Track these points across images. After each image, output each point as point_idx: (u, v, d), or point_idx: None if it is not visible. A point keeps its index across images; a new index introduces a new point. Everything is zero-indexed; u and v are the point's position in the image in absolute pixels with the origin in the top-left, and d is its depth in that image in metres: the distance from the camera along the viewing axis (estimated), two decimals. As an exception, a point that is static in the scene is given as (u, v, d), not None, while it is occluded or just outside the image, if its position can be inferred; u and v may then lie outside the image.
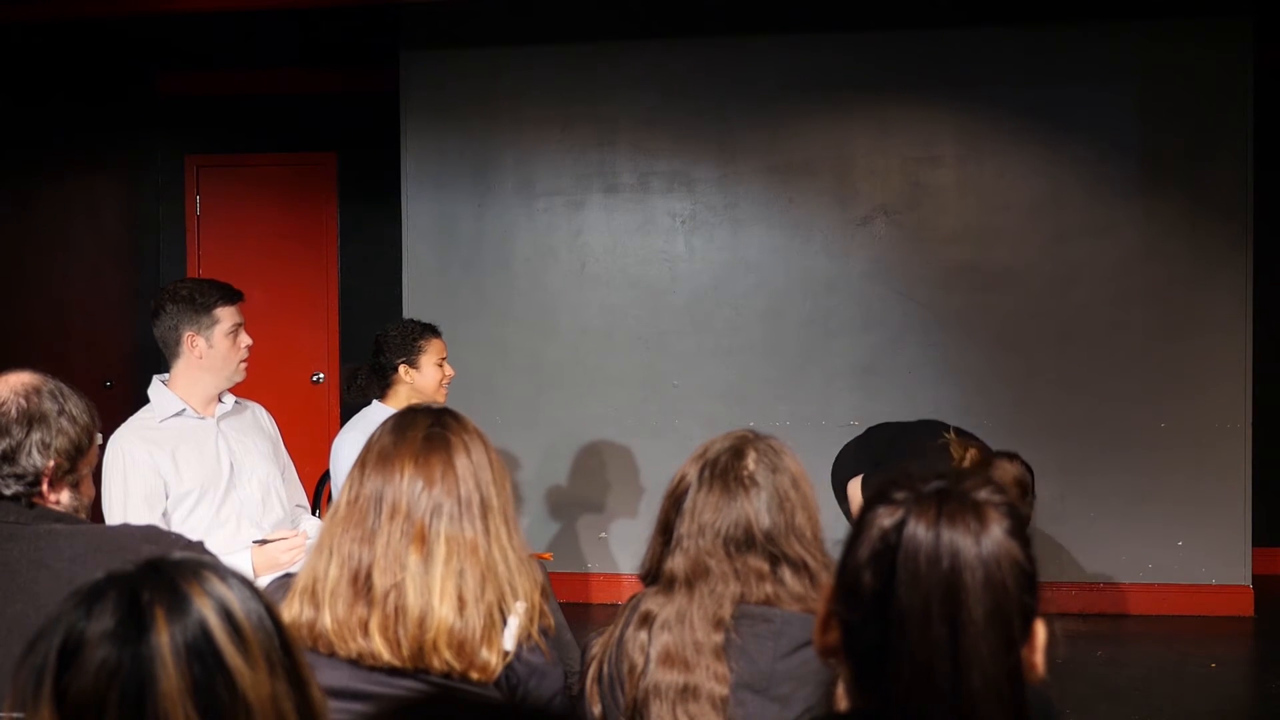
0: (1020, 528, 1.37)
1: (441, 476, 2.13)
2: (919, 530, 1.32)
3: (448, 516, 2.11)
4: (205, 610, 1.21)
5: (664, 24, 6.80)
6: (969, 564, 1.31)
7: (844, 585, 1.39)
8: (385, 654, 2.05)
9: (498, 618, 2.10)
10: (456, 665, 2.06)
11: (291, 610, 2.09)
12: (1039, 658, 1.40)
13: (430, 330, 4.69)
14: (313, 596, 2.10)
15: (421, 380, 4.62)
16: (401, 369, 4.61)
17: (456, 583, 2.08)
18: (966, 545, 1.31)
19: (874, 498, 1.40)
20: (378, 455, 2.17)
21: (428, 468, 2.13)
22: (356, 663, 2.06)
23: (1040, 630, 1.40)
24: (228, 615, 1.22)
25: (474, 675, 2.08)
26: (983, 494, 1.36)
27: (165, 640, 1.18)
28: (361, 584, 2.07)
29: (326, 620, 2.07)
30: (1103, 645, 6.07)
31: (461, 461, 2.15)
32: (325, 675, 2.01)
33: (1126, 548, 6.62)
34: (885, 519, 1.35)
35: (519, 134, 7.03)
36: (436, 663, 2.05)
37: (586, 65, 6.96)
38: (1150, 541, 6.60)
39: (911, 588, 1.31)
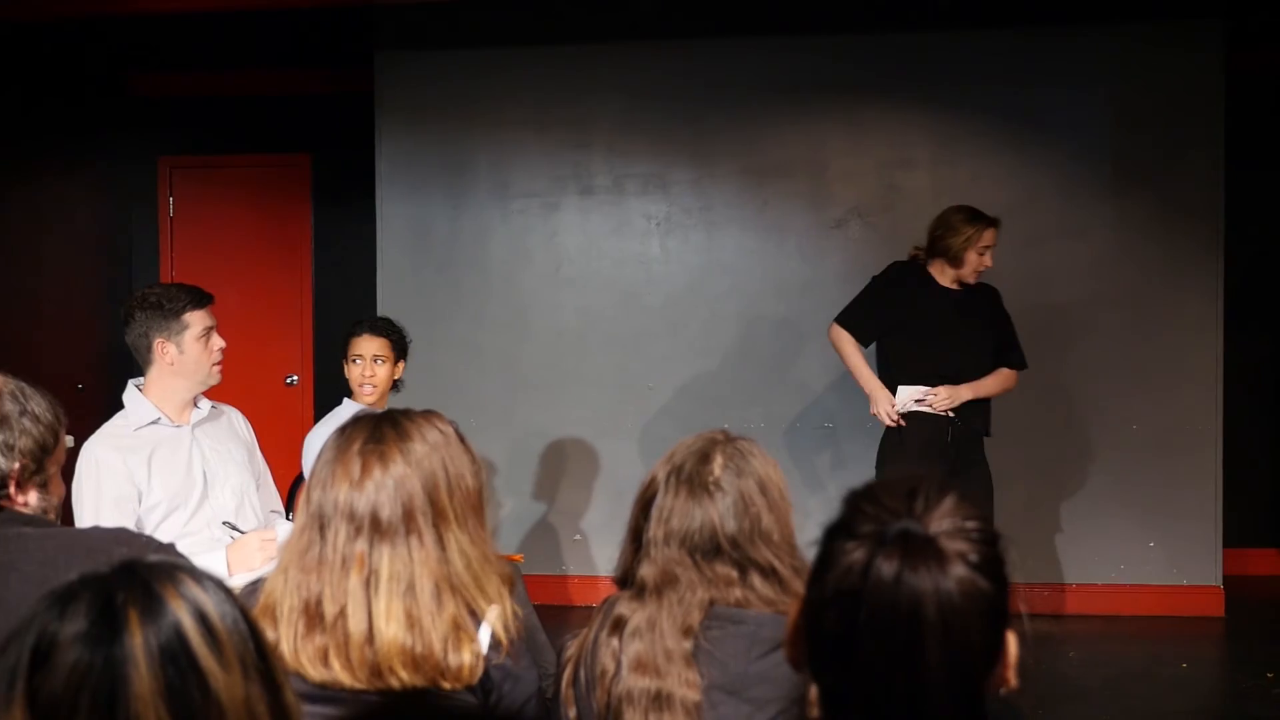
0: (990, 556, 1.36)
1: (379, 488, 2.08)
2: (881, 574, 1.32)
3: (390, 529, 2.07)
4: (180, 613, 1.21)
5: (640, 27, 6.80)
6: (928, 619, 1.30)
7: (809, 616, 1.41)
8: (346, 679, 2.03)
9: (467, 622, 2.08)
10: (417, 682, 2.04)
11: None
12: (1010, 672, 1.41)
13: (355, 328, 4.71)
14: (272, 619, 2.08)
15: (348, 376, 4.66)
16: (345, 368, 4.65)
17: (404, 601, 2.04)
18: (927, 592, 1.31)
19: (839, 526, 1.40)
20: (318, 471, 2.14)
21: (364, 481, 2.08)
22: (323, 687, 2.05)
23: (1011, 643, 1.41)
24: (202, 618, 1.22)
25: (445, 685, 2.06)
26: (947, 527, 1.35)
27: (139, 642, 1.17)
28: (314, 611, 2.05)
29: (285, 647, 2.05)
30: (1075, 646, 6.10)
31: (400, 469, 2.09)
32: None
33: (1098, 549, 6.65)
34: (849, 556, 1.35)
35: (494, 136, 7.02)
36: (395, 682, 2.03)
37: (562, 67, 6.96)
38: (1122, 543, 6.64)
39: (871, 635, 1.32)
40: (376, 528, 2.07)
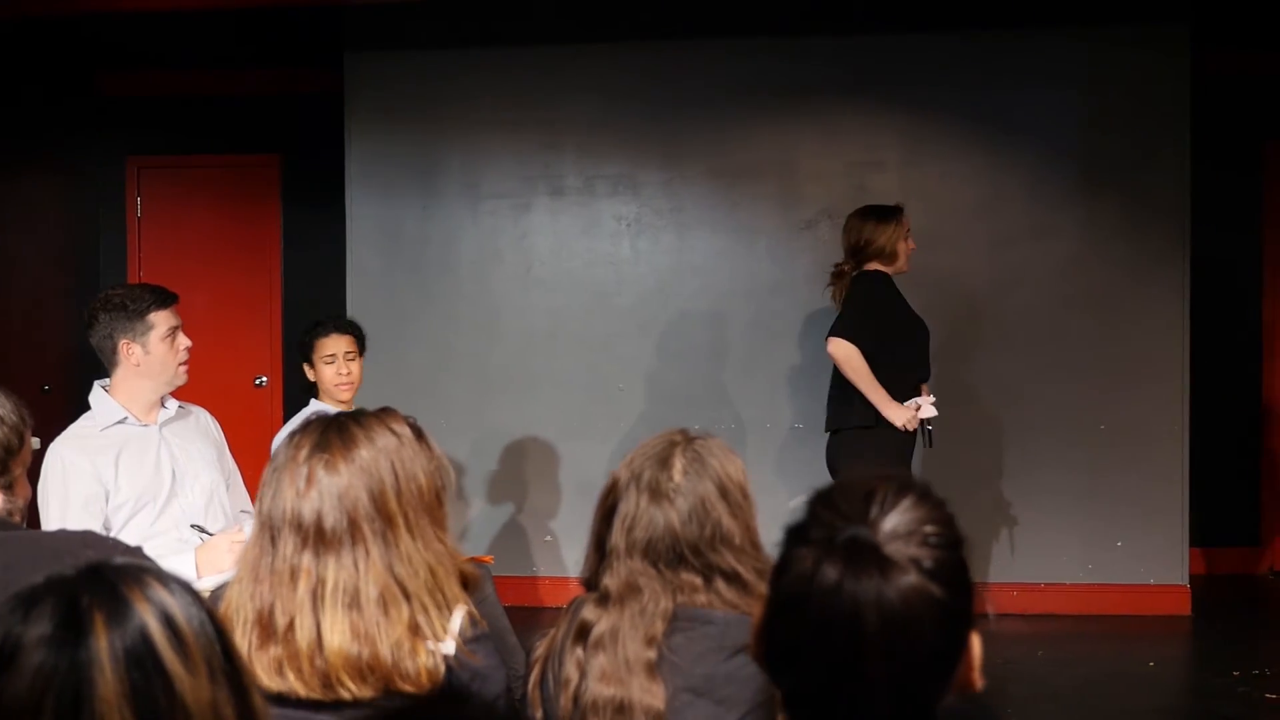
0: (946, 561, 1.35)
1: (323, 497, 2.06)
2: (825, 581, 1.32)
3: (335, 539, 2.06)
4: (146, 616, 1.20)
5: (610, 29, 6.80)
6: (869, 627, 1.30)
7: (765, 619, 1.42)
8: (301, 690, 2.02)
9: (424, 626, 2.07)
10: (367, 692, 2.03)
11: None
12: (975, 674, 1.41)
13: (324, 327, 4.70)
14: (231, 628, 2.06)
15: (320, 380, 4.63)
16: (305, 368, 4.63)
17: (349, 612, 2.04)
18: (869, 600, 1.30)
19: (795, 530, 1.40)
20: (267, 480, 2.13)
21: (309, 490, 2.07)
22: (283, 698, 2.04)
23: (974, 645, 1.40)
24: (169, 621, 1.20)
25: (406, 688, 2.05)
26: (901, 531, 1.34)
27: (104, 645, 1.16)
28: (267, 621, 2.05)
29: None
30: (1043, 645, 6.13)
31: (345, 478, 2.08)
32: None
33: (1066, 548, 6.68)
34: (800, 562, 1.35)
35: (464, 136, 7.01)
36: (345, 693, 2.02)
37: (533, 69, 6.95)
38: (1090, 542, 6.67)
39: (815, 642, 1.33)
40: (321, 538, 2.06)
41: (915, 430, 5.41)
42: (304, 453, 2.11)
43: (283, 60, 7.73)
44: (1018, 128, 6.70)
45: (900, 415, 5.33)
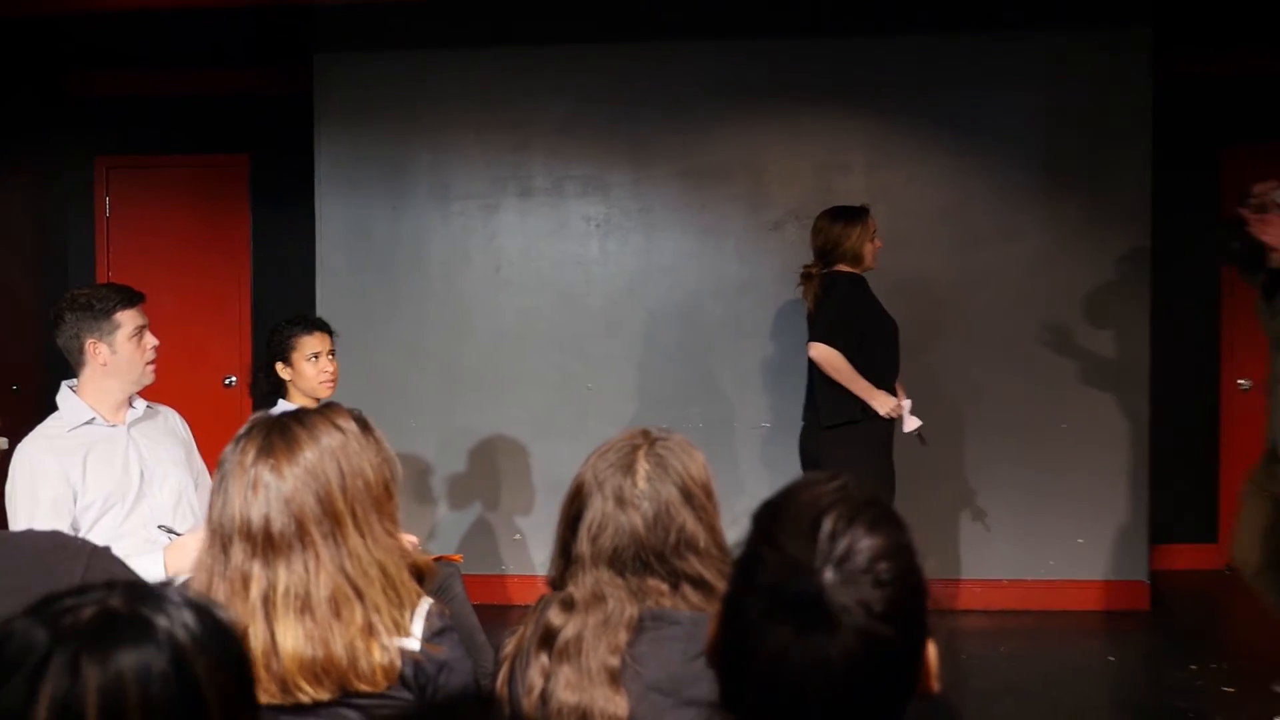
0: (898, 597, 1.31)
1: (269, 503, 2.07)
2: (771, 643, 1.29)
3: (284, 544, 2.07)
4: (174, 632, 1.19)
5: (579, 32, 6.81)
6: (813, 689, 1.28)
7: (716, 653, 1.40)
8: (262, 697, 2.02)
9: (380, 626, 2.09)
10: (324, 694, 2.05)
11: None
12: (932, 681, 1.40)
13: (301, 325, 4.61)
14: None
15: (299, 378, 4.57)
16: (278, 367, 4.58)
17: (301, 617, 2.05)
18: (814, 664, 1.28)
19: (742, 569, 1.37)
20: (215, 486, 2.14)
21: (255, 497, 2.07)
22: None
23: (931, 653, 1.39)
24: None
25: (363, 688, 2.06)
26: (851, 569, 1.30)
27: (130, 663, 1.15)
28: None
29: None
30: (1005, 641, 6.19)
31: (290, 483, 2.08)
32: None
33: (1029, 545, 6.75)
34: (745, 613, 1.33)
35: (434, 137, 7.02)
36: (303, 696, 2.04)
37: (502, 71, 6.97)
38: (1052, 539, 6.74)
39: (758, 692, 1.32)
40: (270, 543, 2.07)
41: (897, 419, 5.48)
42: (249, 457, 2.11)
43: (252, 61, 7.72)
44: (983, 130, 6.75)
45: (886, 404, 5.42)
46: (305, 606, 2.06)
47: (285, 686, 2.04)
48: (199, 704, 1.17)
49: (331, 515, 2.10)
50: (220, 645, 1.22)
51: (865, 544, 1.31)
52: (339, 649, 2.05)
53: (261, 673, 2.02)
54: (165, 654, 1.17)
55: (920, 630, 1.35)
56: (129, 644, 1.16)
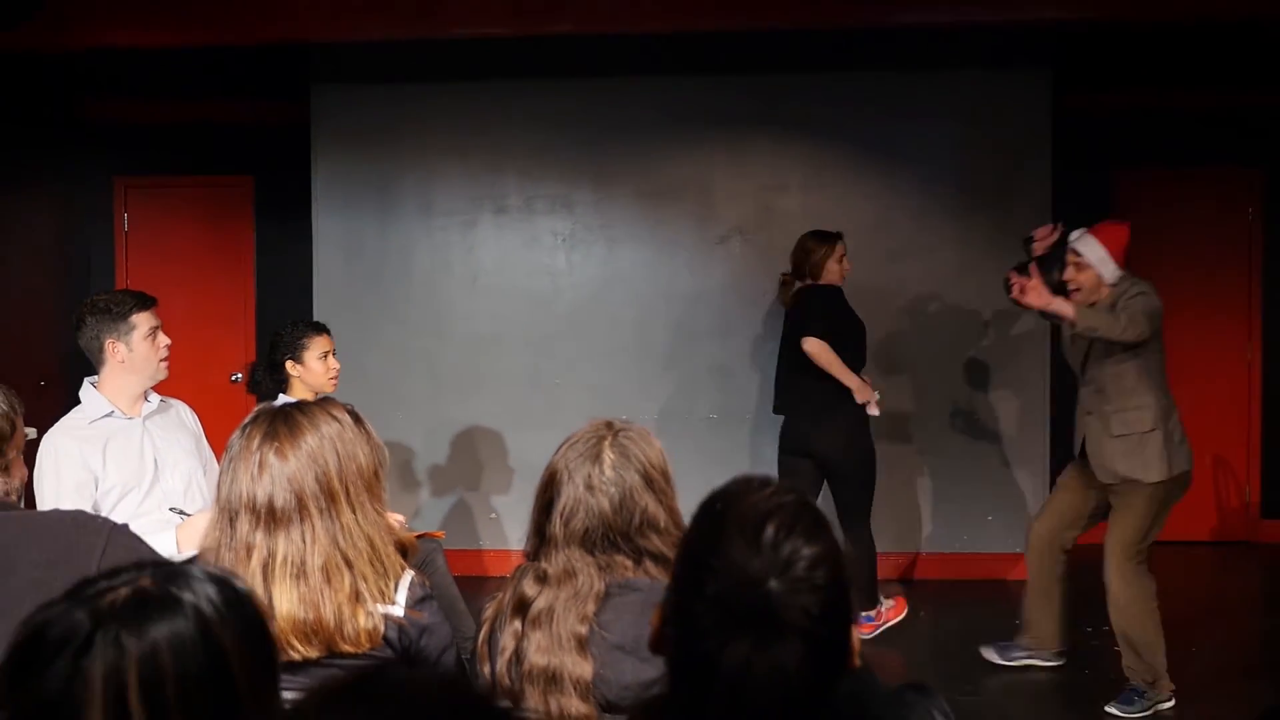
0: (830, 600, 1.29)
1: (274, 481, 2.09)
2: (731, 659, 1.26)
3: (284, 517, 2.08)
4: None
5: (548, 67, 6.81)
6: (755, 688, 1.25)
7: (663, 648, 1.37)
8: None
9: (365, 591, 2.09)
10: (313, 653, 2.06)
11: None
12: (854, 658, 1.37)
13: (314, 328, 4.56)
14: None
15: (308, 375, 4.51)
16: (289, 364, 4.52)
17: (296, 582, 2.06)
18: (765, 671, 1.25)
19: (687, 575, 1.33)
20: (224, 468, 2.15)
21: (261, 475, 2.09)
22: None
23: (854, 638, 1.37)
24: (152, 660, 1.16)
25: (347, 649, 2.07)
26: (793, 577, 1.27)
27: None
28: None
29: None
30: (925, 606, 6.22)
31: (293, 463, 2.10)
32: None
33: (947, 522, 6.79)
34: (698, 623, 1.28)
35: (419, 161, 7.00)
36: (294, 654, 2.05)
37: (479, 102, 6.95)
38: (966, 516, 6.79)
39: (722, 704, 1.28)
40: (273, 516, 2.08)
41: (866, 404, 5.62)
42: (255, 442, 2.13)
43: (256, 92, 7.67)
44: (904, 156, 6.80)
45: (864, 392, 5.53)
46: (300, 573, 2.07)
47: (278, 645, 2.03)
48: (225, 668, 1.18)
49: (328, 493, 2.11)
50: (241, 614, 1.22)
51: (805, 552, 1.28)
52: (328, 612, 2.06)
53: None
54: (193, 624, 1.17)
55: (846, 628, 1.33)
56: (162, 618, 1.16)
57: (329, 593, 2.07)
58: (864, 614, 5.66)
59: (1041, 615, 5.17)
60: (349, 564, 2.10)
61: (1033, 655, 5.22)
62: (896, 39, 6.57)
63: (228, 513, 2.11)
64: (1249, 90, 7.39)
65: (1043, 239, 5.24)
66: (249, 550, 2.08)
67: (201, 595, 1.20)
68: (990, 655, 5.26)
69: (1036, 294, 4.62)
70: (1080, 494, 5.03)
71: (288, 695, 1.23)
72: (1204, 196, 7.66)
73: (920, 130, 6.79)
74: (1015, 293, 4.74)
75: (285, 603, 2.05)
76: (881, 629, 5.69)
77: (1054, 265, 5.08)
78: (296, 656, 2.05)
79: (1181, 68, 7.10)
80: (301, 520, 2.09)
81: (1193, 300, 7.56)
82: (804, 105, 6.83)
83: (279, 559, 2.07)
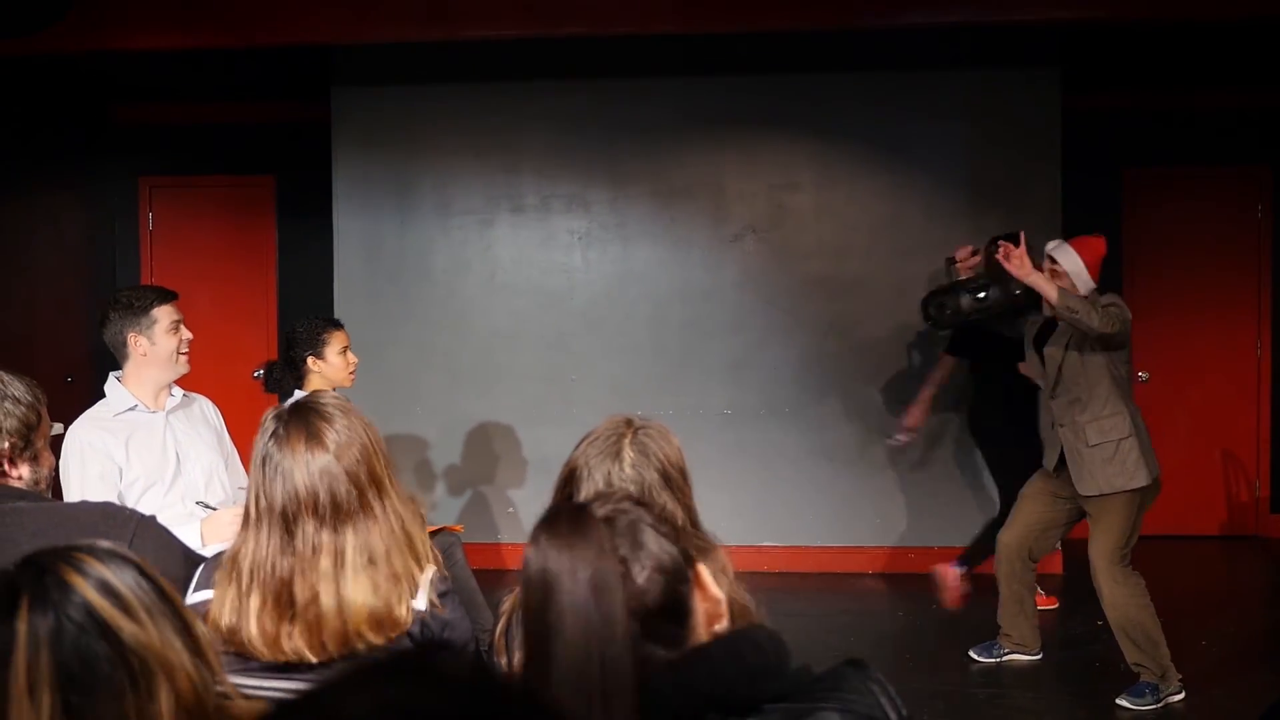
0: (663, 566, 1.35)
1: (328, 475, 2.05)
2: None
3: (349, 510, 2.05)
4: (84, 590, 1.25)
5: (565, 69, 6.82)
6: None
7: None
8: (311, 657, 2.01)
9: (403, 577, 2.08)
10: (378, 640, 2.03)
11: (217, 614, 2.06)
12: (715, 617, 1.41)
13: (332, 324, 4.56)
14: (236, 607, 2.04)
15: (329, 369, 4.51)
16: (310, 360, 4.51)
17: (368, 571, 2.03)
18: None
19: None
20: (268, 474, 2.09)
21: (315, 471, 2.05)
22: (285, 665, 2.02)
23: (701, 572, 1.42)
24: (105, 587, 1.26)
25: (391, 636, 2.05)
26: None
27: (24, 629, 1.20)
28: (285, 600, 2.02)
29: (253, 631, 2.02)
30: (903, 603, 6.19)
31: (342, 451, 2.06)
32: (252, 678, 2.00)
33: (905, 518, 6.78)
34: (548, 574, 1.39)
35: (437, 161, 7.02)
36: (361, 645, 2.02)
37: (497, 102, 6.97)
38: (922, 512, 6.77)
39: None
40: (337, 511, 2.05)
41: None
42: (298, 443, 2.07)
43: (278, 93, 7.71)
44: (915, 155, 6.79)
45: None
46: (370, 563, 2.05)
47: (346, 640, 2.01)
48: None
49: (374, 478, 2.09)
50: (135, 582, 1.29)
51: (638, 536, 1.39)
52: (393, 598, 2.05)
53: (327, 630, 2.00)
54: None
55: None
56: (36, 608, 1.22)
57: (392, 579, 2.05)
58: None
59: (1016, 621, 5.22)
60: (399, 548, 2.08)
61: (1015, 654, 5.27)
62: (906, 39, 6.56)
63: (284, 519, 2.05)
64: (1258, 89, 7.37)
65: (964, 260, 5.26)
66: (316, 551, 2.04)
67: (92, 579, 1.26)
68: (976, 656, 5.31)
69: (1019, 263, 4.59)
70: (1048, 503, 5.04)
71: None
72: (1213, 195, 7.64)
73: (930, 129, 6.78)
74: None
75: (360, 594, 2.01)
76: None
77: (975, 287, 5.22)
78: (363, 647, 2.02)
79: (1191, 67, 7.08)
80: (362, 509, 2.06)
81: (1202, 297, 7.55)
82: (815, 105, 6.84)
83: (349, 553, 2.04)
